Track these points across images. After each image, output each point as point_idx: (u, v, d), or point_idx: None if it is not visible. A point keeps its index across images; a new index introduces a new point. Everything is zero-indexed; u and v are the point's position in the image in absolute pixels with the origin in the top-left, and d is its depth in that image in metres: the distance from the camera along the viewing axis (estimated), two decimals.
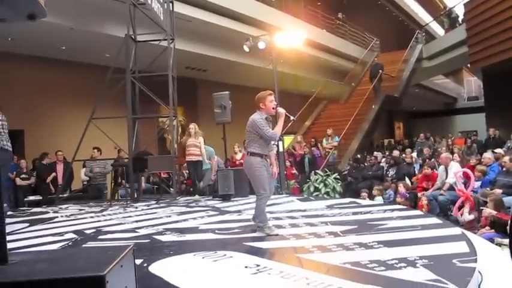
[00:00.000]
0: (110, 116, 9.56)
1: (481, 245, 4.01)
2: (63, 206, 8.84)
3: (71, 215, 7.56)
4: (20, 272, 1.68)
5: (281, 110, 5.02)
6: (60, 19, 9.99)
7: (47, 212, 8.05)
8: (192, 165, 9.00)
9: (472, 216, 6.75)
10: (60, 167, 10.42)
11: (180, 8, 11.24)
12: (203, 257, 3.97)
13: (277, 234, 4.78)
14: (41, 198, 9.76)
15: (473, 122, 23.29)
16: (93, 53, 12.11)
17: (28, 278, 1.56)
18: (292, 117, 5.13)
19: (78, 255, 2.05)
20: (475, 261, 3.36)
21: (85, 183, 10.66)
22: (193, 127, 9.05)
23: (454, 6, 22.53)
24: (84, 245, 4.90)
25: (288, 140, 15.05)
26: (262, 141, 4.94)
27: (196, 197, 8.77)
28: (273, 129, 5.02)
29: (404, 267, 3.30)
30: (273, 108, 5.04)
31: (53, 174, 10.29)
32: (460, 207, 7.30)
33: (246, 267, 3.57)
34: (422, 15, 29.09)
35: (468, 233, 4.64)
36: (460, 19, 21.37)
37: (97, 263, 1.73)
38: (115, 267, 1.70)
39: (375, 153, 13.30)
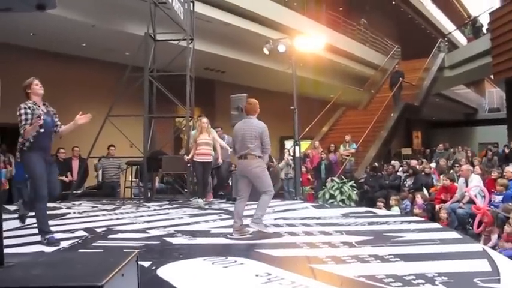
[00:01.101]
0: (126, 114, 9.54)
1: (503, 264, 3.83)
2: (77, 203, 8.83)
3: (84, 211, 7.55)
4: (15, 276, 1.59)
5: None
6: (82, 16, 10.02)
7: (60, 208, 8.04)
8: (202, 165, 7.99)
9: (495, 236, 6.52)
10: (75, 163, 10.42)
11: (201, 9, 11.19)
12: (213, 263, 3.87)
13: (269, 234, 5.09)
14: None
15: (494, 134, 22.86)
16: (113, 51, 12.13)
17: (21, 285, 1.46)
18: None
19: (77, 260, 1.95)
20: (498, 281, 3.19)
21: (99, 180, 10.65)
22: (206, 121, 8.14)
23: (479, 15, 22.18)
24: (93, 244, 4.84)
25: (305, 145, 14.90)
26: (261, 148, 5.25)
27: (200, 201, 7.96)
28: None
29: (423, 284, 3.16)
30: None
31: (65, 178, 10.19)
32: (480, 223, 7.08)
33: (256, 275, 3.46)
34: (446, 23, 28.74)
35: (489, 250, 4.46)
36: (484, 29, 21.01)
37: (96, 271, 1.62)
38: (115, 276, 1.59)
39: (393, 162, 13.09)
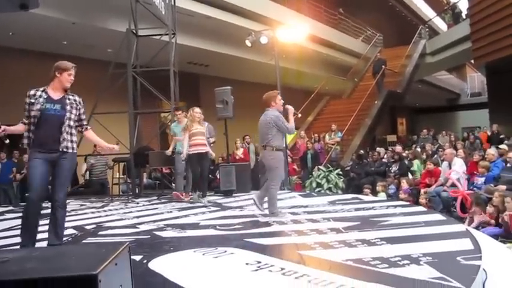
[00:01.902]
0: (111, 111, 9.52)
1: (485, 242, 3.95)
2: None
3: (72, 210, 7.52)
4: (10, 270, 1.63)
5: (290, 107, 5.80)
6: (62, 14, 9.96)
7: (47, 208, 7.99)
8: (198, 157, 7.26)
9: (478, 217, 6.65)
10: None
11: (182, 3, 11.17)
12: (203, 254, 3.92)
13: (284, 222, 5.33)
14: None
15: (476, 118, 23.20)
16: (95, 48, 12.07)
17: (17, 277, 1.51)
18: (299, 114, 5.61)
19: (71, 253, 1.99)
20: (480, 258, 3.30)
21: (86, 178, 10.63)
22: (199, 111, 7.44)
23: (458, 1, 22.40)
24: (83, 241, 4.87)
25: (290, 135, 14.97)
26: (281, 136, 5.71)
27: (206, 200, 7.35)
28: None
29: (408, 264, 3.25)
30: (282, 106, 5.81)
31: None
32: (462, 206, 7.23)
33: (247, 264, 3.52)
34: (426, 10, 28.96)
35: (472, 230, 4.59)
36: (463, 14, 21.23)
37: (90, 261, 1.67)
38: (109, 265, 1.65)
39: (378, 149, 13.24)
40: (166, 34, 9.83)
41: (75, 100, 4.37)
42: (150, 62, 10.00)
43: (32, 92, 4.25)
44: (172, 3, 10.33)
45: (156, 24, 9.82)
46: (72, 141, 4.23)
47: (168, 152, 8.18)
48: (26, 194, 4.51)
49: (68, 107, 4.25)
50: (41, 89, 4.31)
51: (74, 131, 4.30)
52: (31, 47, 11.54)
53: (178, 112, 8.37)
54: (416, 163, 10.63)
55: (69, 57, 12.52)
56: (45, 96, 4.23)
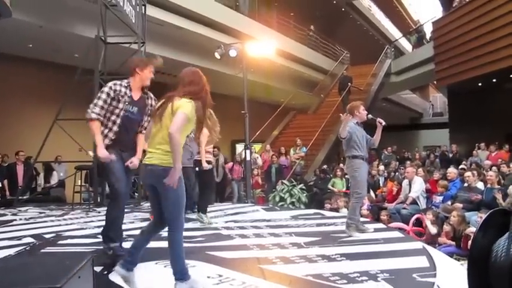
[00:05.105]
0: (76, 117, 9.36)
1: (440, 260, 4.09)
2: (23, 209, 8.57)
3: (30, 218, 7.35)
4: None
5: (379, 120, 6.12)
6: (29, 17, 9.77)
7: (4, 215, 7.79)
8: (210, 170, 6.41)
9: (435, 230, 6.85)
10: (20, 168, 10.11)
11: (153, 12, 11.14)
12: (165, 266, 3.90)
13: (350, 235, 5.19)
14: None
15: (438, 137, 23.80)
16: (62, 53, 11.86)
17: None
18: (382, 122, 6.15)
19: (33, 264, 1.97)
20: (434, 276, 3.43)
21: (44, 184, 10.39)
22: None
23: (424, 24, 23.14)
24: (42, 250, 4.76)
25: (256, 148, 15.04)
26: (354, 144, 5.79)
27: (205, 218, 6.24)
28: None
29: (366, 280, 3.34)
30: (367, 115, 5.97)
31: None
32: (420, 223, 7.43)
33: (208, 277, 3.54)
34: (392, 30, 29.76)
35: (429, 248, 4.73)
36: (427, 36, 21.92)
37: (53, 273, 1.66)
38: (72, 278, 1.64)
39: (341, 165, 13.42)
40: (135, 42, 9.76)
41: (152, 102, 4.31)
42: (118, 69, 9.88)
43: (117, 88, 4.13)
44: (143, 12, 10.28)
45: (126, 31, 9.74)
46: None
47: (207, 166, 6.19)
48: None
49: (141, 111, 4.24)
50: (117, 86, 4.15)
51: None
52: None
53: None
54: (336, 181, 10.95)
55: (34, 61, 12.41)
56: (126, 97, 4.16)
